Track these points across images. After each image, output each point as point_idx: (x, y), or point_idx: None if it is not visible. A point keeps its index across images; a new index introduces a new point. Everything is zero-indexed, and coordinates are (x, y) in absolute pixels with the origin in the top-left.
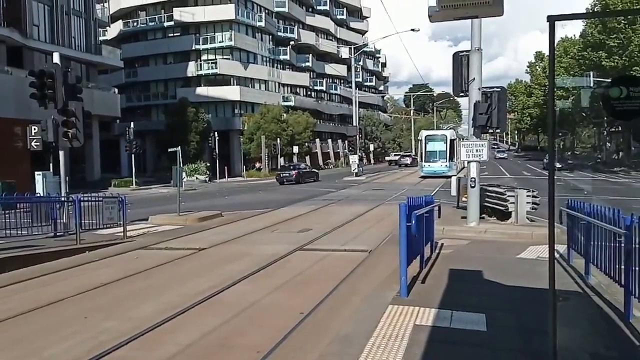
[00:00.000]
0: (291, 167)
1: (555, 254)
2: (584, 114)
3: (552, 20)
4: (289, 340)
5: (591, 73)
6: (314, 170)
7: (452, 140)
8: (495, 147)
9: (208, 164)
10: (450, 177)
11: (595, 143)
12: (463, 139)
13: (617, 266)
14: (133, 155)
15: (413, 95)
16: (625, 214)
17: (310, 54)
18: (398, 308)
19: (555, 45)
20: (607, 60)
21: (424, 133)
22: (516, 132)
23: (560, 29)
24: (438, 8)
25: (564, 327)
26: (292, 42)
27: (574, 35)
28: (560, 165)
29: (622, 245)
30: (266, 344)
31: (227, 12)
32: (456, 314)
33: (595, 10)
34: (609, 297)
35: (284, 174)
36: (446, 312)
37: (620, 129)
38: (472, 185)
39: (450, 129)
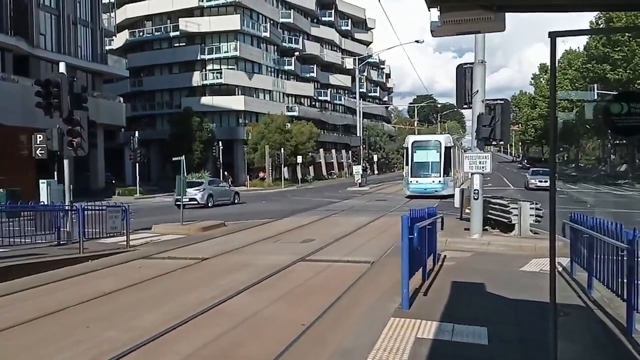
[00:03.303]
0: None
1: (558, 267)
2: (588, 126)
3: (553, 36)
4: (290, 352)
5: (595, 86)
6: None
7: (447, 148)
8: (530, 167)
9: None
10: (444, 197)
11: (600, 155)
12: (466, 151)
13: (619, 280)
14: (137, 164)
15: (417, 106)
16: (628, 228)
17: (315, 65)
18: (400, 321)
19: (560, 57)
20: (611, 72)
21: (410, 139)
22: (520, 143)
23: (564, 42)
24: (440, 23)
25: (566, 341)
26: (296, 53)
27: (578, 47)
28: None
29: (625, 259)
30: (267, 355)
31: (232, 22)
32: (458, 327)
33: (599, 23)
34: (611, 311)
35: None
36: (448, 325)
37: (624, 141)
38: (476, 197)
39: (445, 133)
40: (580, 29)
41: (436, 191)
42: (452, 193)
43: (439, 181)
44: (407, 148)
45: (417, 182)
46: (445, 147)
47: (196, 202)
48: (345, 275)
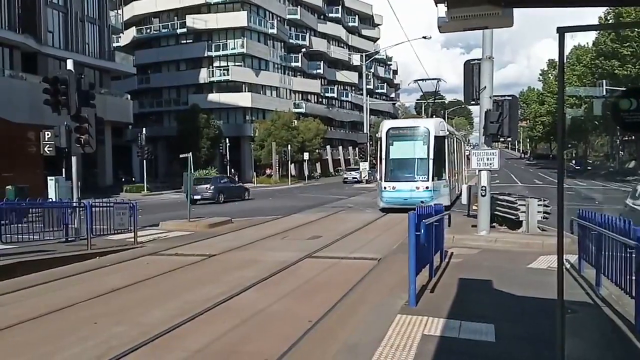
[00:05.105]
0: None
1: (566, 264)
2: (596, 123)
3: (561, 31)
4: (297, 348)
5: (604, 82)
6: None
7: (439, 139)
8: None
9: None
10: None
11: (608, 152)
12: (474, 147)
13: (628, 277)
14: (145, 160)
15: (424, 103)
16: (637, 225)
17: (322, 61)
18: (406, 317)
19: (568, 53)
20: (620, 68)
21: (385, 125)
22: (528, 140)
23: (572, 38)
24: (447, 19)
25: (574, 339)
26: (303, 49)
27: (587, 43)
28: None
29: (633, 256)
30: (274, 351)
31: (239, 19)
32: (465, 324)
33: (609, 18)
34: (619, 308)
35: None
36: (455, 322)
37: (633, 137)
38: (483, 194)
39: (435, 117)
40: (589, 25)
41: (422, 202)
42: (447, 204)
43: (426, 187)
44: (380, 138)
45: (393, 188)
46: (436, 137)
47: (357, 180)
48: (352, 272)
